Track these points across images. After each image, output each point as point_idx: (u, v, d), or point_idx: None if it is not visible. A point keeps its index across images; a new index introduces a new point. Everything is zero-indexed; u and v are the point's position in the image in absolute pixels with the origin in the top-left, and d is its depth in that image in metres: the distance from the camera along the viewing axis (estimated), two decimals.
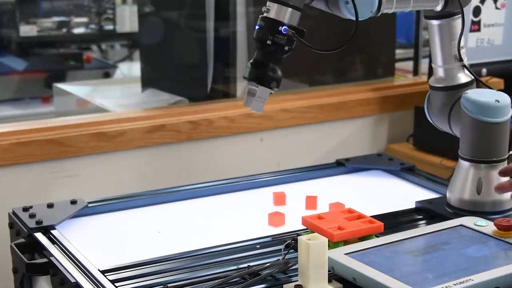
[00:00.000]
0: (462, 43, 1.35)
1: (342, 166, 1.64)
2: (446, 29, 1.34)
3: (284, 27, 1.18)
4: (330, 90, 2.30)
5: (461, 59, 1.35)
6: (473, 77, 1.36)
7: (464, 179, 1.31)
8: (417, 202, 1.39)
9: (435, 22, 1.35)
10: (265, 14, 1.20)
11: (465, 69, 1.36)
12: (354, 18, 1.20)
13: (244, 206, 1.45)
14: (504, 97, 1.29)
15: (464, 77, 1.36)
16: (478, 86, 1.38)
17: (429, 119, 1.40)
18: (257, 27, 1.20)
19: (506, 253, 1.08)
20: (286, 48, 1.19)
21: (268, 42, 1.19)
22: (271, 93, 1.21)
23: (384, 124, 2.34)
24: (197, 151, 2.03)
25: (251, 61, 1.21)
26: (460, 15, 1.33)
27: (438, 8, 1.32)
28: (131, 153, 1.94)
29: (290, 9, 1.19)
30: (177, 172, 2.00)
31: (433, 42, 1.36)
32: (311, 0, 1.23)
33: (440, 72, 1.37)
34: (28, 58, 3.45)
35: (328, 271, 1.01)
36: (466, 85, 1.35)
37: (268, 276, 1.08)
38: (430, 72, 2.16)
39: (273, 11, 1.19)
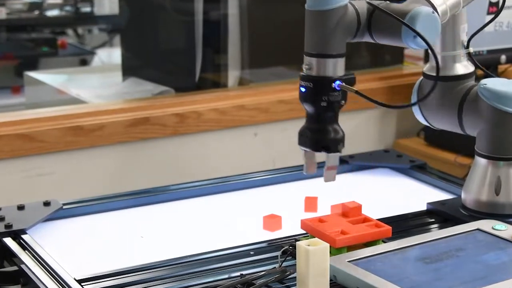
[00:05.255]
0: (466, 29, 1.34)
1: (346, 163, 1.64)
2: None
3: (338, 82, 1.17)
4: None
5: (467, 47, 1.34)
6: (473, 69, 1.35)
7: (481, 178, 1.32)
8: (428, 203, 1.39)
9: None
10: (307, 72, 1.18)
11: (466, 58, 1.34)
12: (422, 49, 1.21)
13: (236, 208, 1.45)
14: None
15: (462, 68, 1.34)
16: (476, 79, 1.36)
17: (419, 114, 1.40)
18: (302, 89, 1.19)
19: None
20: (342, 102, 1.19)
21: (323, 104, 1.18)
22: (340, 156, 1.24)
23: (392, 117, 2.34)
24: (185, 147, 2.03)
25: (306, 126, 1.22)
26: None
27: None
28: (111, 149, 1.94)
29: (335, 59, 1.18)
30: (162, 170, 2.00)
31: None
32: (353, 37, 1.22)
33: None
34: None
35: (330, 280, 1.01)
36: (465, 77, 1.34)
37: (263, 285, 1.08)
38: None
39: (316, 67, 1.18)
